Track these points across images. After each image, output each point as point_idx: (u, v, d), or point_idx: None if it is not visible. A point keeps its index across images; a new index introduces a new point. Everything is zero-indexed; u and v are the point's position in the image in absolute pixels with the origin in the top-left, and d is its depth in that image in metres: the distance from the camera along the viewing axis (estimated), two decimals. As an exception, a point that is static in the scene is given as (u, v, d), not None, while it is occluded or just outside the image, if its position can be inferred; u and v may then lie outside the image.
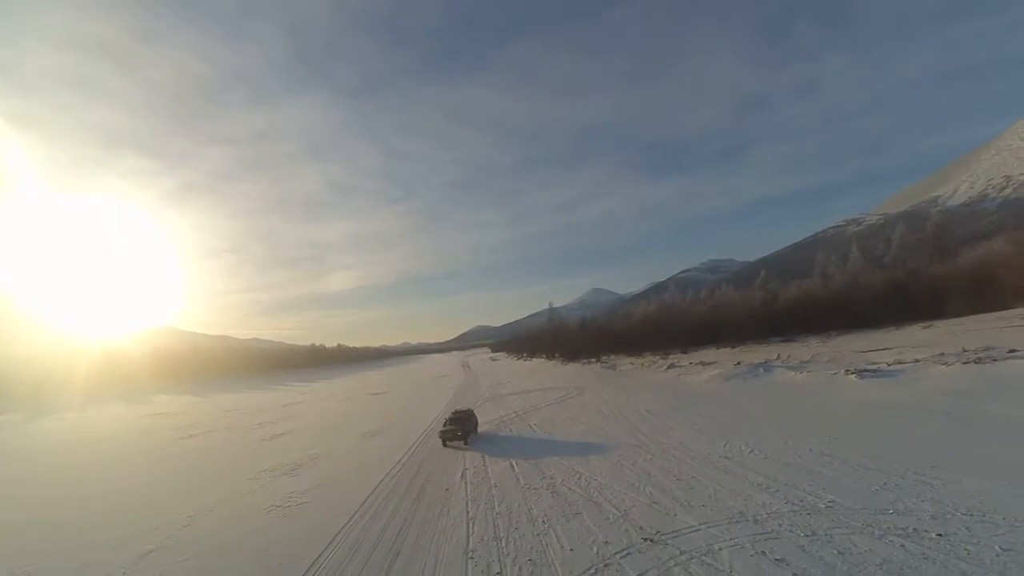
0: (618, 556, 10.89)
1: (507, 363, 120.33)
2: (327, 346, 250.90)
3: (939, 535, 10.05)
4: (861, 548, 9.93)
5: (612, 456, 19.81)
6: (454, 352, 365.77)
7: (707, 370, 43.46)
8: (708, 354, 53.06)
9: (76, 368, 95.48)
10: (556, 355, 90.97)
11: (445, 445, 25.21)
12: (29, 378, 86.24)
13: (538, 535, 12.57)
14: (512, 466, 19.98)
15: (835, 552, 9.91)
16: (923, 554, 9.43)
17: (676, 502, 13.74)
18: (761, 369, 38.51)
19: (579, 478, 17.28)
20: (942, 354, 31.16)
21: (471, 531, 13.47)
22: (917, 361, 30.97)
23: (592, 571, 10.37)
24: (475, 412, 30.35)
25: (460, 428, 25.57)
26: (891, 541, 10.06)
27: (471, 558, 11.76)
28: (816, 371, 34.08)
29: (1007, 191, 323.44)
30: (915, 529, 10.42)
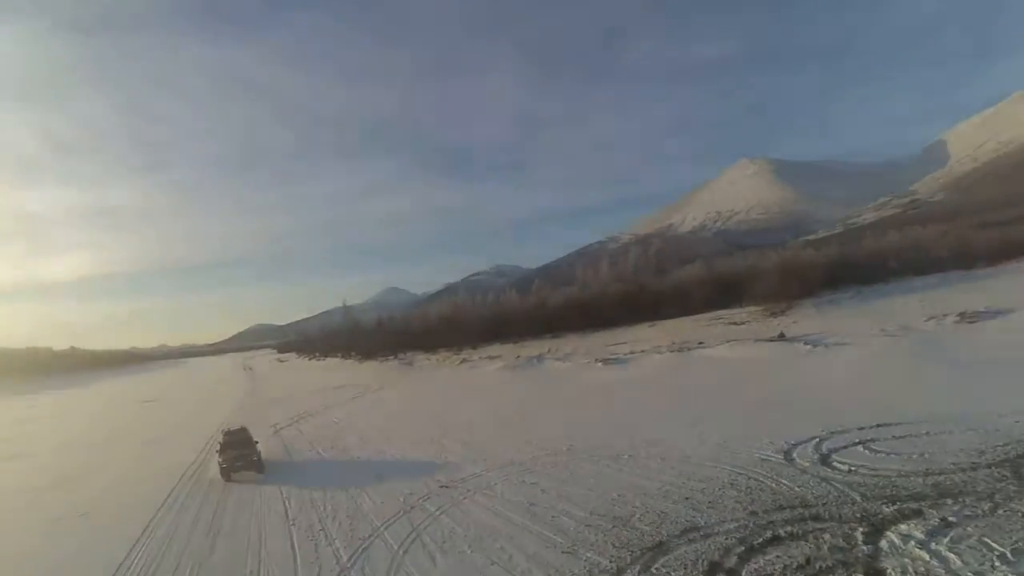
0: (423, 501, 14.19)
1: (297, 363, 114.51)
2: (54, 348, 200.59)
3: (629, 456, 15.72)
4: (583, 469, 15.04)
5: (411, 432, 23.13)
6: (231, 354, 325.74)
7: (494, 363, 49.70)
8: (494, 349, 60.05)
9: None
10: (352, 354, 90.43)
11: (229, 479, 18.58)
12: None
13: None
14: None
15: (567, 472, 14.86)
16: (619, 468, 14.81)
17: (466, 460, 17.68)
18: (535, 361, 45.91)
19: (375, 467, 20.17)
20: (659, 346, 41.94)
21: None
22: (643, 352, 41.09)
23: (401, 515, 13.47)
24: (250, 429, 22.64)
25: (250, 452, 19.57)
26: (601, 463, 15.39)
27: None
28: (575, 361, 42.30)
29: (719, 223, 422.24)
30: (616, 456, 15.98)
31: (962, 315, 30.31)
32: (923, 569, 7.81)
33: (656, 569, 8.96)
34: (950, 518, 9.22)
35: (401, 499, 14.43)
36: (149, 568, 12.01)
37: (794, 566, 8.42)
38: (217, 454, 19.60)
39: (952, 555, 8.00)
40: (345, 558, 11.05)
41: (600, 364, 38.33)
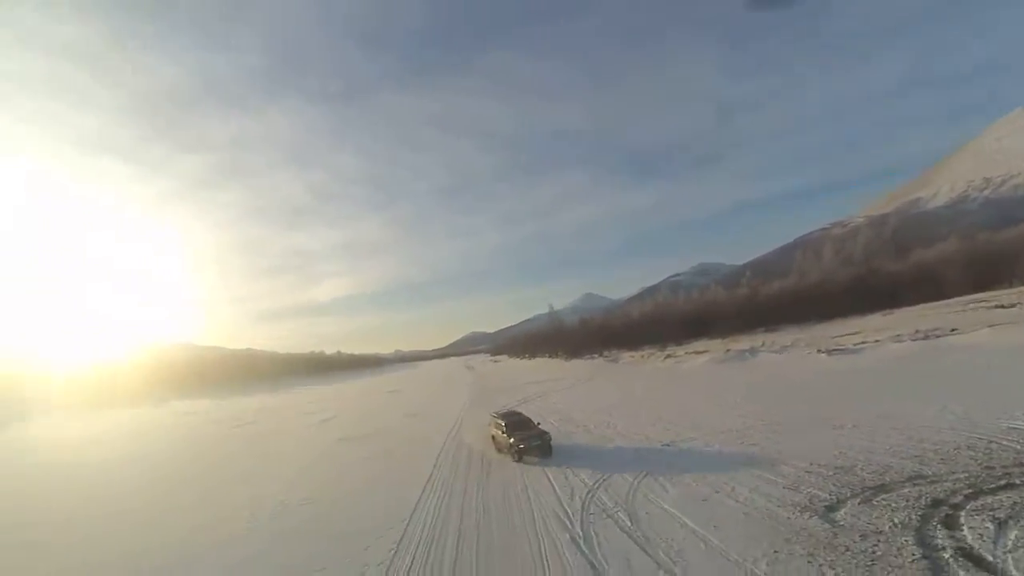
0: (648, 453, 16.58)
1: (510, 363, 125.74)
2: (326, 354, 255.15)
3: (854, 426, 15.84)
4: (803, 435, 15.74)
5: (626, 410, 25.60)
6: (451, 358, 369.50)
7: (700, 357, 49.34)
8: (701, 345, 59.11)
9: (89, 378, 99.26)
10: (558, 353, 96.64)
11: (520, 460, 17.84)
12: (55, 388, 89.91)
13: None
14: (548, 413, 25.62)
15: (784, 437, 15.79)
16: (841, 434, 15.17)
17: (683, 429, 19.54)
18: (748, 354, 44.45)
19: (608, 423, 23.04)
20: (898, 335, 37.26)
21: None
22: (877, 341, 37.04)
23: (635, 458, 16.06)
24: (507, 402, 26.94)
25: (536, 436, 18.39)
26: (823, 431, 15.86)
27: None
28: (793, 352, 40.04)
29: (987, 190, 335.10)
30: (839, 425, 16.21)
31: None
32: None
33: (876, 502, 9.97)
34: None
35: (631, 452, 17.06)
36: (443, 473, 16.79)
37: (1024, 503, 8.77)
38: (503, 434, 19.02)
39: None
40: (591, 483, 14.07)
41: (824, 355, 35.86)
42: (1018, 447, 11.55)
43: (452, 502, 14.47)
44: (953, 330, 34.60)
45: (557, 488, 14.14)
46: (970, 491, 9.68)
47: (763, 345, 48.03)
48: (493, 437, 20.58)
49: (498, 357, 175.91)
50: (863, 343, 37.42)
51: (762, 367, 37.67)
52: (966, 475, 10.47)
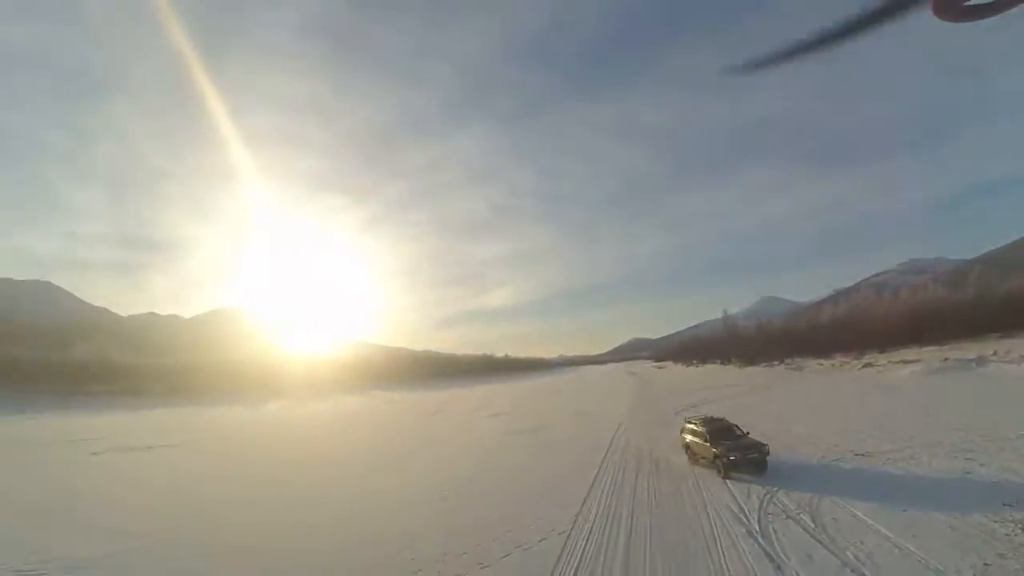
0: (836, 462, 15.82)
1: (676, 369, 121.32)
2: (495, 356, 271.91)
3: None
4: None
5: (808, 418, 24.00)
6: (611, 364, 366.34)
7: (908, 367, 42.97)
8: (910, 353, 51.10)
9: (303, 369, 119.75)
10: (731, 361, 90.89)
11: (728, 477, 14.93)
12: (273, 377, 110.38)
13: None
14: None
15: (1004, 459, 13.91)
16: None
17: (880, 440, 18.05)
18: (973, 364, 37.74)
19: (785, 431, 22.03)
20: None
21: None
22: None
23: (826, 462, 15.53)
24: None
25: (750, 448, 15.57)
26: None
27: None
28: (1039, 363, 33.12)
29: None
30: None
31: None
32: None
33: None
34: None
35: (817, 458, 16.45)
36: (614, 460, 17.80)
37: None
38: (703, 443, 16.41)
39: None
40: (769, 484, 14.04)
41: (1085, 367, 29.21)
42: None
43: (624, 484, 15.60)
44: None
45: (730, 485, 14.35)
46: None
47: (995, 354, 40.14)
48: (687, 446, 17.89)
49: (662, 363, 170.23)
50: None
51: (993, 379, 31.81)
52: None
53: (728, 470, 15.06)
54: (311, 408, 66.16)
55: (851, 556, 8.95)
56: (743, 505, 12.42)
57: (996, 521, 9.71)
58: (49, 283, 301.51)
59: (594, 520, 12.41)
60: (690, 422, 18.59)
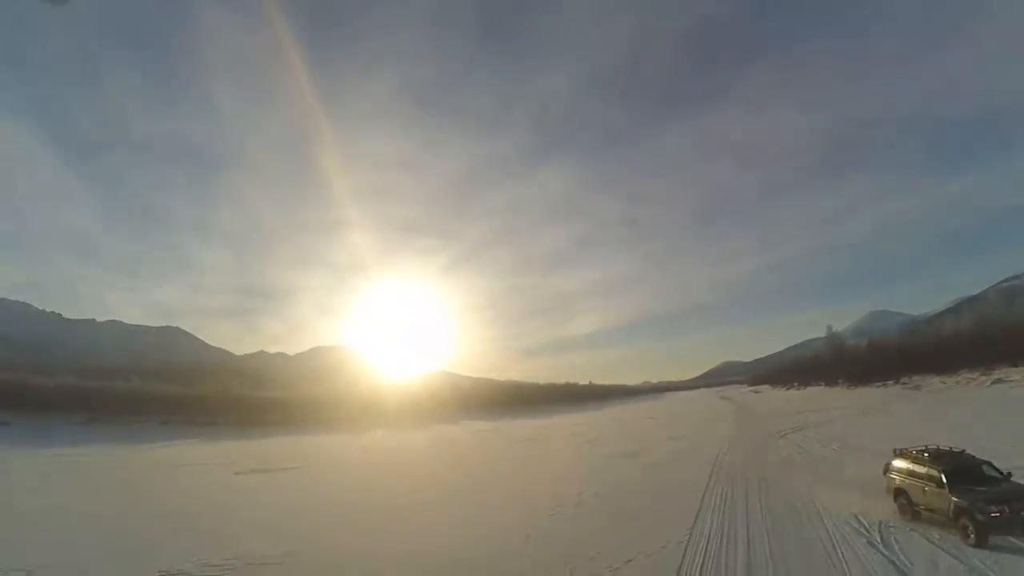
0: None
1: (774, 393, 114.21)
2: (579, 384, 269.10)
3: None
4: None
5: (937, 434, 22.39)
6: (702, 388, 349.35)
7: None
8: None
9: (397, 399, 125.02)
10: (837, 382, 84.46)
11: (983, 543, 10.06)
12: (370, 407, 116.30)
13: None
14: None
15: None
16: None
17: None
18: None
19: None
20: None
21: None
22: None
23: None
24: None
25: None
26: None
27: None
28: None
29: None
30: None
31: None
32: None
33: None
34: None
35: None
36: (721, 482, 17.74)
37: None
38: (936, 489, 11.43)
39: None
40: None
41: None
42: None
43: (735, 500, 15.72)
44: None
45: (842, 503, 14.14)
46: None
47: None
48: (900, 491, 12.66)
49: (758, 387, 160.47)
50: None
51: None
52: None
53: (984, 533, 9.98)
54: (408, 436, 69.47)
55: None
56: (864, 522, 12.49)
57: None
58: (177, 328, 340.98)
59: (708, 531, 12.85)
60: (904, 455, 13.07)
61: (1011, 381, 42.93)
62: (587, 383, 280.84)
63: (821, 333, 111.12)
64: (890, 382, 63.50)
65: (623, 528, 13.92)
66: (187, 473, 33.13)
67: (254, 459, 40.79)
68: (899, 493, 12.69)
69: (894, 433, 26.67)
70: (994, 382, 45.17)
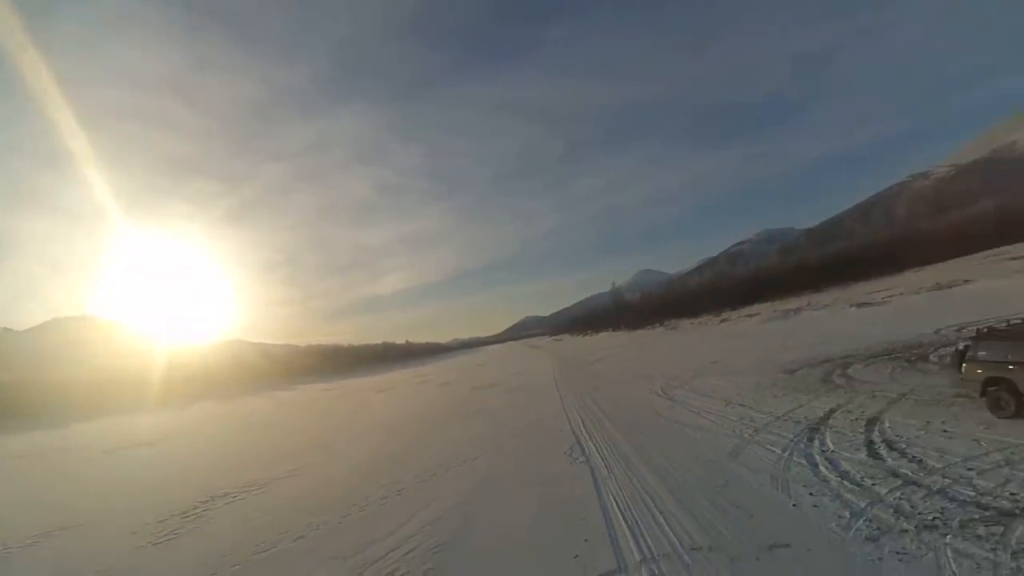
0: (692, 376, 25.62)
1: (573, 340, 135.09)
2: (396, 343, 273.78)
3: (848, 336, 24.26)
4: (790, 355, 24.35)
5: (679, 351, 34.56)
6: (509, 342, 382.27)
7: (752, 319, 56.95)
8: (754, 308, 66.25)
9: (172, 375, 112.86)
10: (620, 327, 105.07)
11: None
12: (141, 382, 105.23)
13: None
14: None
15: (784, 357, 24.45)
16: (835, 342, 23.67)
17: (724, 362, 28.41)
18: (792, 313, 51.82)
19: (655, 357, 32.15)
20: (919, 288, 43.84)
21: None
22: (901, 294, 43.83)
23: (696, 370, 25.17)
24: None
25: None
26: (813, 349, 24.38)
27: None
28: (831, 309, 47.26)
29: None
30: (824, 343, 24.65)
31: None
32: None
33: (815, 367, 18.76)
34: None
35: (664, 379, 26.23)
36: (568, 387, 26.46)
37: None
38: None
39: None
40: (659, 386, 23.29)
41: (854, 308, 43.15)
42: (925, 339, 20.01)
43: (579, 394, 24.26)
44: (966, 281, 40.99)
45: (637, 382, 23.61)
46: (868, 358, 18.42)
47: (808, 304, 55.02)
48: (996, 380, 10.19)
49: (560, 336, 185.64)
50: (890, 297, 44.24)
51: (802, 322, 45.19)
52: (869, 353, 19.17)
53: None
54: (238, 405, 68.05)
55: (704, 387, 18.11)
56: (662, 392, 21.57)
57: (774, 369, 19.40)
58: None
59: (573, 405, 20.86)
60: (993, 335, 10.62)
61: (732, 320, 61.82)
62: (404, 342, 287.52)
63: (606, 288, 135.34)
64: (657, 325, 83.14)
65: (527, 406, 21.38)
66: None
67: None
68: (993, 384, 10.25)
69: (657, 357, 38.98)
70: (722, 320, 64.30)
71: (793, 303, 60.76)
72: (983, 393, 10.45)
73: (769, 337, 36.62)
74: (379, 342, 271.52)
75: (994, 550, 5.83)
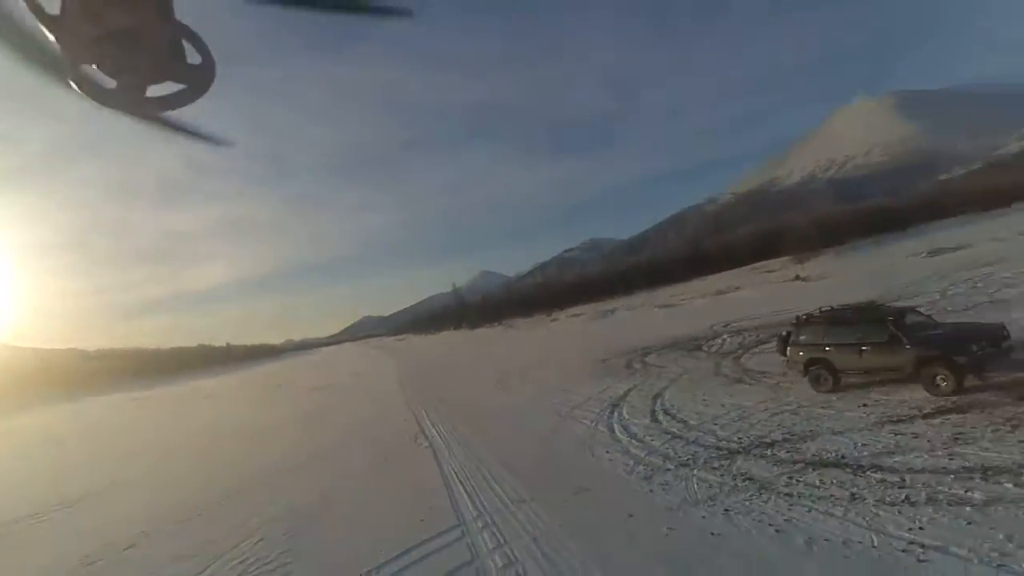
0: (525, 368, 28.41)
1: (416, 339, 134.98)
2: (216, 345, 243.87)
3: (649, 329, 28.90)
4: (622, 342, 28.53)
5: (515, 348, 37.66)
6: (347, 343, 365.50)
7: (578, 318, 63.40)
8: (579, 309, 73.72)
9: None
10: (462, 326, 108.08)
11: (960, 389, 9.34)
12: None
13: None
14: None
15: (602, 343, 28.50)
16: (643, 334, 28.06)
17: (551, 357, 31.79)
18: (609, 313, 58.93)
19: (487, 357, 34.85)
20: (705, 293, 53.31)
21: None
22: (693, 298, 52.75)
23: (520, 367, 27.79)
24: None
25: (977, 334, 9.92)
26: (640, 337, 28.75)
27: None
28: (640, 310, 54.88)
29: (831, 171, 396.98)
30: (622, 337, 29.21)
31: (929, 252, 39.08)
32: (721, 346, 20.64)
33: (621, 357, 22.39)
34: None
35: (524, 365, 28.86)
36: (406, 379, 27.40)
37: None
38: (885, 348, 10.38)
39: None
40: (495, 378, 25.47)
41: (656, 309, 50.74)
42: (693, 333, 24.91)
43: (422, 387, 25.31)
44: (737, 288, 50.98)
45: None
46: (661, 349, 22.53)
47: (622, 306, 62.99)
48: (815, 360, 11.44)
49: (402, 336, 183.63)
50: (683, 300, 53.02)
51: (616, 320, 51.86)
52: (663, 345, 23.47)
53: (962, 376, 9.30)
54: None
55: (534, 377, 20.40)
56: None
57: (586, 359, 22.50)
58: None
59: (416, 400, 21.75)
60: (810, 321, 12.00)
61: (561, 320, 68.00)
62: (225, 345, 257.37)
63: (447, 288, 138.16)
64: (497, 324, 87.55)
65: (371, 403, 21.70)
66: None
67: None
68: (813, 364, 11.40)
69: (499, 353, 41.77)
70: (553, 320, 70.37)
71: (611, 304, 68.99)
72: (805, 372, 11.64)
73: (590, 334, 41.51)
74: (194, 344, 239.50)
75: (723, 476, 8.27)
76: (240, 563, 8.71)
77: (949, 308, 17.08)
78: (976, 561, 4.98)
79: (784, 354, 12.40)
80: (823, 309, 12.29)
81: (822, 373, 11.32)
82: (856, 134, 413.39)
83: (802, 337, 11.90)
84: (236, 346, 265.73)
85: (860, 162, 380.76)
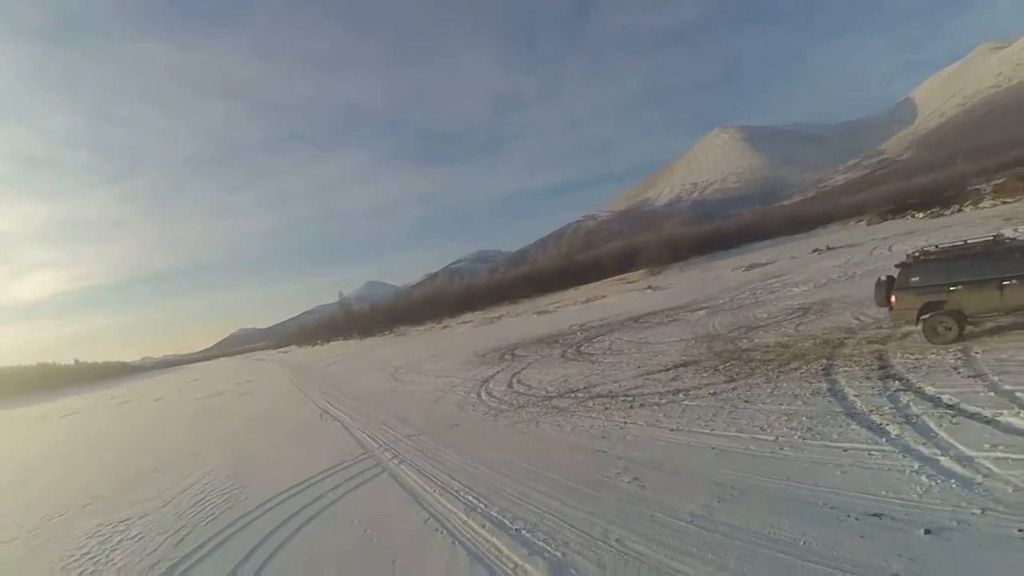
0: (416, 364, 32.12)
1: (301, 350, 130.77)
2: (60, 364, 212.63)
3: (525, 332, 33.87)
4: (507, 341, 33.20)
5: (407, 350, 41.11)
6: (223, 358, 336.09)
7: (466, 325, 67.76)
8: (468, 316, 78.24)
9: None
10: (352, 336, 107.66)
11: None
12: None
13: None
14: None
15: (487, 339, 33.05)
16: (517, 335, 32.90)
17: (446, 355, 35.72)
18: (495, 319, 64.07)
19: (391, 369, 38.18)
20: (577, 300, 60.41)
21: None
22: (565, 305, 59.53)
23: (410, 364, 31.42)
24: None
25: None
26: (517, 336, 33.53)
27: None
28: (522, 316, 60.62)
29: (695, 194, 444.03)
30: (528, 335, 34.15)
31: (747, 267, 49.13)
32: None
33: (499, 352, 27.05)
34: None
35: (415, 362, 32.45)
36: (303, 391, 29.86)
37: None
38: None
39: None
40: (389, 374, 28.91)
41: (536, 315, 56.69)
42: (562, 332, 30.30)
43: (321, 392, 27.89)
44: (603, 296, 58.64)
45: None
46: (529, 344, 27.50)
47: (506, 313, 68.54)
48: (932, 305, 9.96)
49: (286, 348, 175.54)
50: (558, 307, 59.67)
51: (501, 327, 56.83)
52: (532, 341, 28.50)
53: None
54: None
55: (424, 370, 24.27)
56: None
57: (477, 358, 26.80)
58: None
59: (316, 397, 24.51)
60: (926, 258, 10.28)
61: (451, 326, 71.95)
62: (72, 361, 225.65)
63: (333, 298, 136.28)
64: (387, 332, 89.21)
65: (269, 405, 24.11)
66: None
67: None
68: (929, 309, 9.98)
69: (391, 355, 44.65)
70: (443, 327, 74.04)
71: (497, 312, 74.42)
72: (917, 322, 10.11)
73: (476, 337, 45.94)
74: (32, 363, 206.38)
75: (541, 409, 12.85)
76: (199, 492, 11.70)
77: (750, 302, 23.86)
78: (645, 425, 9.92)
79: (886, 303, 10.72)
80: (940, 246, 10.48)
81: (943, 320, 9.77)
82: (716, 161, 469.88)
83: (914, 279, 10.16)
84: (87, 364, 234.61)
85: (718, 187, 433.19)
